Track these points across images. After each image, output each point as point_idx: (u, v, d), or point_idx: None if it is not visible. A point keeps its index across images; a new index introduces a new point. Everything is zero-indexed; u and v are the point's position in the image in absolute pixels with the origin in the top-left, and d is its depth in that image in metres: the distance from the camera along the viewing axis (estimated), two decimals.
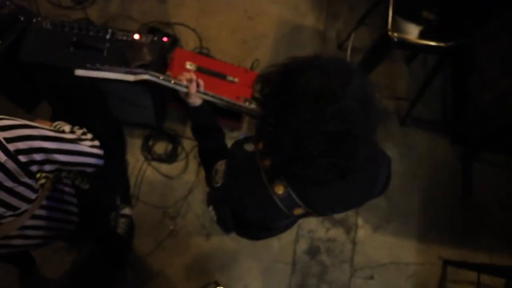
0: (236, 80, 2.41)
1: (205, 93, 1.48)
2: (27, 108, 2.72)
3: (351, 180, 1.15)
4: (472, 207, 2.80)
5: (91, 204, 2.31)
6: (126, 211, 2.54)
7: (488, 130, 2.73)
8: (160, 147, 2.73)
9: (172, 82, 1.45)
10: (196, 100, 1.47)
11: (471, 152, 2.90)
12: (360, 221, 2.70)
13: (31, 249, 1.74)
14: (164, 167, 2.70)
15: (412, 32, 2.31)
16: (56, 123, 1.53)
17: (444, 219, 2.77)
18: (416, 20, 2.36)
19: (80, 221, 1.79)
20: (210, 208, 2.56)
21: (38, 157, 1.20)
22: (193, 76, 1.45)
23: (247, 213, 1.29)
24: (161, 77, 1.46)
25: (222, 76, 2.41)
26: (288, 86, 1.00)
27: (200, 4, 3.14)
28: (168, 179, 2.67)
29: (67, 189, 1.69)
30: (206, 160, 1.43)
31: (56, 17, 2.81)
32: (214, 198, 2.57)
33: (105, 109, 2.49)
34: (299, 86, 0.98)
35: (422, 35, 2.31)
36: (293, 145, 0.98)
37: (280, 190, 1.16)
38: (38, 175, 1.42)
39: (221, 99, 1.51)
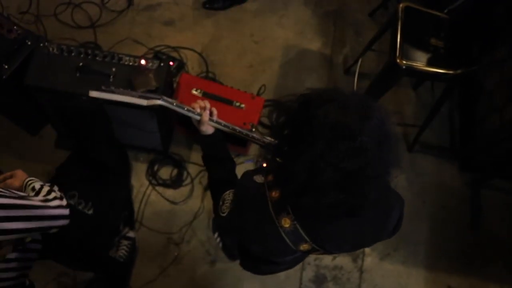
0: (243, 106, 2.39)
1: (217, 122, 1.47)
2: (31, 131, 2.71)
3: (360, 220, 1.13)
4: (481, 234, 2.76)
5: (93, 229, 2.30)
6: (130, 234, 2.51)
7: (496, 156, 2.71)
8: (165, 172, 2.70)
9: (185, 109, 1.44)
10: (208, 128, 1.46)
11: (479, 179, 2.86)
12: (367, 249, 2.65)
13: None
14: (169, 192, 2.67)
15: (420, 59, 2.30)
16: (28, 178, 1.48)
17: (452, 246, 2.72)
18: (424, 47, 2.35)
19: (82, 247, 1.75)
20: (216, 234, 2.55)
21: None
22: (207, 105, 1.45)
23: (252, 245, 1.26)
24: (174, 103, 1.45)
25: (229, 102, 2.39)
26: (305, 117, 0.99)
27: (206, 29, 3.16)
28: (173, 205, 2.64)
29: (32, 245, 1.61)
30: (215, 189, 1.42)
31: (63, 40, 2.86)
32: (220, 227, 2.54)
33: (110, 133, 2.48)
34: (316, 118, 0.96)
35: (430, 63, 2.30)
36: (305, 176, 0.97)
37: (286, 223, 1.14)
38: None
39: (234, 129, 1.49)
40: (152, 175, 2.68)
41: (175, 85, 2.55)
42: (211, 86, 2.49)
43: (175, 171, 2.71)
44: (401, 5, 2.41)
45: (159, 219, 2.61)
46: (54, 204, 1.34)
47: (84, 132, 2.43)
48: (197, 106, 1.44)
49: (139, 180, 2.68)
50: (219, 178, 1.44)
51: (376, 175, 0.97)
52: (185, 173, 2.71)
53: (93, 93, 1.50)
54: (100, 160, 2.44)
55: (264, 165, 1.62)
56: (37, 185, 1.42)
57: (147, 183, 2.67)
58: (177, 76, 2.81)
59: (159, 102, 1.45)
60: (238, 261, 2.47)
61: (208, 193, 2.68)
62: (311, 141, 0.95)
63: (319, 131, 0.95)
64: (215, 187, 1.43)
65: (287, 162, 1.03)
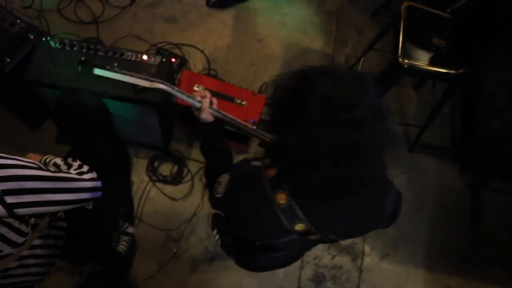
0: (244, 103, 2.39)
1: (217, 111, 1.49)
2: (33, 126, 2.71)
3: (355, 202, 1.16)
4: (481, 235, 2.76)
5: (93, 224, 2.30)
6: (130, 229, 2.51)
7: (497, 156, 2.70)
8: (166, 169, 2.70)
9: (186, 95, 1.47)
10: (208, 117, 1.48)
11: (480, 180, 2.86)
12: (367, 249, 2.64)
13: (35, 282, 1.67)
14: (169, 189, 2.66)
15: (422, 58, 2.30)
16: (45, 157, 1.51)
17: (452, 247, 2.72)
18: (426, 47, 2.35)
19: (80, 240, 1.76)
20: (215, 232, 2.53)
21: (27, 198, 1.14)
22: (207, 94, 1.47)
23: (247, 226, 1.25)
24: (175, 89, 1.49)
25: (230, 99, 2.39)
26: (301, 91, 1.00)
27: (209, 26, 3.16)
28: (172, 201, 2.64)
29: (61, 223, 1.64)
30: (211, 177, 1.42)
31: (66, 35, 2.85)
32: (216, 220, 2.54)
33: (111, 129, 2.47)
34: (313, 90, 0.97)
35: (432, 62, 2.30)
36: (301, 150, 0.97)
37: (282, 199, 1.14)
38: (30, 219, 1.35)
39: (232, 119, 1.52)
40: (152, 171, 2.68)
41: (176, 81, 2.55)
42: (212, 83, 2.49)
43: (175, 168, 2.71)
44: (404, 4, 2.41)
45: (159, 216, 2.60)
46: (88, 177, 1.37)
47: (85, 128, 2.42)
48: (198, 94, 1.47)
49: (139, 176, 2.68)
50: (216, 168, 1.44)
51: (371, 150, 0.97)
52: (185, 170, 2.71)
53: (98, 71, 1.55)
54: (101, 156, 2.42)
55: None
56: (58, 160, 1.44)
57: (147, 179, 2.67)
58: (179, 72, 2.81)
59: (161, 86, 1.49)
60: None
61: (208, 192, 2.66)
62: (307, 114, 0.96)
63: (315, 103, 0.95)
64: (211, 175, 1.44)
65: (283, 136, 1.03)
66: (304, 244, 1.55)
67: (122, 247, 2.43)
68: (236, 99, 2.40)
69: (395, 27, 2.41)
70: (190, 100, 1.46)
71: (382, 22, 3.20)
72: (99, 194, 1.42)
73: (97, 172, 2.38)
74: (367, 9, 3.33)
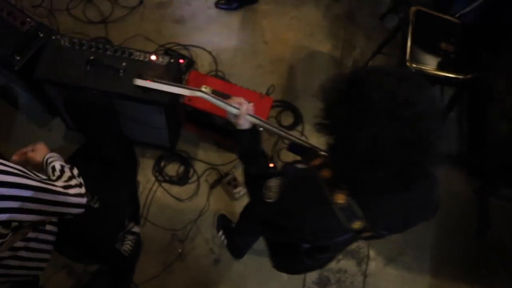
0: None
1: (255, 117, 1.49)
2: (40, 124, 2.72)
3: (410, 195, 1.17)
4: (487, 242, 2.73)
5: (99, 223, 2.30)
6: (135, 229, 2.51)
7: (505, 162, 2.68)
8: (172, 169, 2.71)
9: (224, 101, 1.48)
10: (245, 123, 1.48)
11: (487, 187, 2.84)
12: (372, 253, 2.63)
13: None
14: (175, 189, 2.67)
15: (430, 63, 2.30)
16: (49, 155, 1.51)
17: (458, 253, 2.70)
18: (434, 51, 2.35)
19: (84, 238, 1.76)
20: (220, 232, 2.54)
21: (3, 204, 1.13)
22: (243, 100, 1.47)
23: (302, 227, 1.25)
24: (214, 96, 1.51)
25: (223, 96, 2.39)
26: (359, 92, 1.01)
27: (217, 28, 3.17)
28: (178, 201, 2.64)
29: (48, 227, 1.62)
30: (253, 182, 1.45)
31: (75, 34, 2.87)
32: (221, 221, 2.54)
33: (118, 128, 2.49)
34: (374, 90, 0.99)
35: (440, 67, 2.29)
36: (367, 149, 0.99)
37: (341, 199, 1.15)
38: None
39: (271, 125, 1.52)
40: (158, 171, 2.69)
41: (184, 82, 2.56)
42: (220, 84, 2.49)
43: (181, 168, 2.71)
44: (412, 9, 2.41)
45: (164, 216, 2.61)
46: (74, 192, 1.35)
47: (93, 126, 2.44)
48: (234, 101, 1.47)
49: (145, 176, 2.68)
50: (255, 173, 1.46)
51: (433, 142, 0.99)
52: (191, 171, 2.71)
53: (138, 82, 1.61)
54: (108, 155, 2.44)
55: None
56: (58, 165, 1.44)
57: (153, 179, 2.68)
58: (187, 73, 2.81)
59: (199, 94, 1.53)
60: (241, 260, 2.50)
61: (214, 192, 2.68)
62: (373, 113, 0.98)
63: (380, 102, 0.97)
64: (253, 181, 1.46)
65: (345, 137, 1.04)
66: (350, 242, 1.57)
67: (127, 246, 2.44)
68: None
69: (403, 31, 2.41)
70: (228, 107, 1.47)
71: (390, 26, 3.20)
72: (80, 210, 1.39)
73: (104, 171, 2.41)
74: (375, 13, 3.33)
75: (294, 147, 1.52)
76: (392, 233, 1.34)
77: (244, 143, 1.51)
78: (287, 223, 1.27)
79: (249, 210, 2.07)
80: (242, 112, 1.44)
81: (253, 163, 1.49)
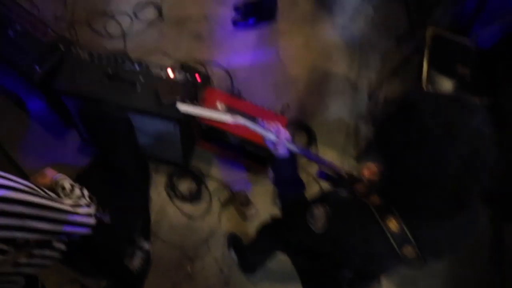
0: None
1: (294, 144, 1.47)
2: (57, 136, 2.74)
3: (461, 219, 1.19)
4: (502, 269, 2.67)
5: (109, 234, 2.29)
6: (145, 245, 2.50)
7: None
8: (184, 186, 2.70)
9: (262, 127, 1.48)
10: (284, 151, 1.46)
11: (502, 213, 2.79)
12: (384, 281, 2.58)
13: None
14: (187, 207, 2.65)
15: (446, 86, 2.28)
16: (58, 175, 1.51)
17: (472, 282, 2.65)
18: (450, 74, 2.34)
19: (91, 251, 1.74)
20: (231, 250, 2.52)
21: (6, 221, 1.10)
22: (279, 125, 1.47)
23: (353, 254, 1.25)
24: (254, 123, 1.50)
25: (252, 119, 2.38)
26: (413, 116, 1.03)
27: (234, 45, 3.19)
28: (189, 219, 2.63)
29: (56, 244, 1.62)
30: (291, 212, 1.44)
31: (94, 47, 2.91)
32: (232, 240, 2.51)
33: (133, 142, 2.49)
34: (429, 112, 1.01)
35: (456, 90, 2.28)
36: (425, 170, 1.00)
37: (393, 225, 1.15)
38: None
39: (310, 153, 1.51)
40: (171, 187, 2.68)
41: (200, 98, 2.56)
42: (235, 101, 2.50)
43: (194, 186, 2.70)
44: (429, 32, 2.41)
45: (175, 233, 2.59)
46: (83, 212, 1.33)
47: (108, 139, 2.45)
48: (270, 126, 1.47)
49: (157, 191, 2.68)
50: (292, 199, 1.46)
51: (488, 162, 1.01)
52: (204, 189, 2.70)
53: (182, 106, 1.61)
54: (121, 168, 2.45)
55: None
56: (67, 185, 1.43)
57: (165, 195, 2.67)
58: (203, 90, 2.82)
59: (241, 121, 1.52)
60: (252, 280, 2.45)
61: (225, 212, 2.67)
62: (428, 136, 0.99)
63: (436, 124, 0.99)
64: (290, 207, 1.46)
65: (401, 162, 1.05)
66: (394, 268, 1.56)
67: (137, 263, 2.42)
68: (257, 119, 2.39)
69: (419, 54, 2.41)
70: (267, 135, 1.46)
71: (406, 48, 3.20)
72: (88, 231, 1.37)
73: (116, 185, 2.41)
74: (391, 35, 3.33)
75: (325, 174, 1.51)
76: (437, 260, 1.31)
77: (282, 171, 1.50)
78: (336, 250, 1.27)
79: (277, 233, 2.00)
80: (281, 140, 1.44)
81: (289, 188, 1.48)
